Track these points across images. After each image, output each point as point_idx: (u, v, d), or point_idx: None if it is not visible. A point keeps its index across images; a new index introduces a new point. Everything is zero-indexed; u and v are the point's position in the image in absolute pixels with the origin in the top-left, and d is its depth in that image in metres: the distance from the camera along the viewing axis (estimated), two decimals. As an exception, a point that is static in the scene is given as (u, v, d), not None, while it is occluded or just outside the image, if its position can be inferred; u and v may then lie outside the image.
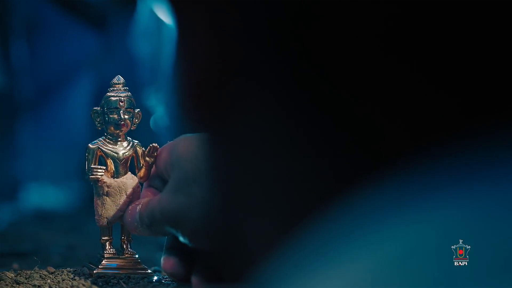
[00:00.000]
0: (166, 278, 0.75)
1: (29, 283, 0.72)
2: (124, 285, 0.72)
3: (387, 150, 0.33)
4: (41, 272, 0.75)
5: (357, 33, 0.33)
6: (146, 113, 1.29)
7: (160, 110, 1.60)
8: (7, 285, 0.71)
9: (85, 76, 1.95)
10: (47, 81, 2.00)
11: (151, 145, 0.76)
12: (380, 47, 0.33)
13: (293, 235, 0.34)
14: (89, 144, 0.76)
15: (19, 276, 0.73)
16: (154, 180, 0.76)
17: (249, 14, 0.35)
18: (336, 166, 0.34)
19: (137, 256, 0.76)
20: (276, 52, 0.35)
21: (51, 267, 0.76)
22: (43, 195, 1.71)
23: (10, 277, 0.73)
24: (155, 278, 0.75)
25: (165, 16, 1.70)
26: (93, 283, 0.72)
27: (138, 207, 0.73)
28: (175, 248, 0.72)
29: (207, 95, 0.38)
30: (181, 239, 0.69)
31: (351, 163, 0.33)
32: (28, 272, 0.75)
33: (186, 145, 0.70)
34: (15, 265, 0.84)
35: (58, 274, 0.75)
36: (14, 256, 0.94)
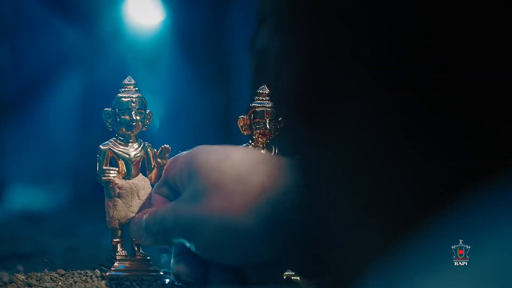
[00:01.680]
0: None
1: (41, 285, 0.71)
2: (138, 287, 0.71)
3: (497, 156, 0.32)
4: (51, 274, 0.74)
5: (479, 30, 0.32)
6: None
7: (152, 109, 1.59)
8: (19, 287, 0.70)
9: (71, 76, 1.93)
10: (32, 80, 1.97)
11: (162, 146, 0.76)
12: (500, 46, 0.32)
13: (398, 244, 0.34)
14: (100, 146, 0.76)
15: (30, 278, 0.73)
16: (162, 187, 0.76)
17: (355, 14, 0.34)
18: (443, 173, 0.33)
19: (148, 258, 0.76)
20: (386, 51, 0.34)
21: (61, 269, 0.76)
22: (32, 197, 1.69)
23: (21, 279, 0.72)
24: (167, 280, 0.74)
25: (155, 13, 1.70)
26: (107, 285, 0.71)
27: (145, 216, 0.73)
28: (186, 253, 0.71)
29: (306, 100, 0.37)
30: (193, 249, 0.68)
31: (459, 170, 0.33)
32: (39, 274, 0.74)
33: (206, 156, 0.69)
34: (20, 267, 0.83)
35: (69, 276, 0.74)
36: (15, 258, 0.93)
